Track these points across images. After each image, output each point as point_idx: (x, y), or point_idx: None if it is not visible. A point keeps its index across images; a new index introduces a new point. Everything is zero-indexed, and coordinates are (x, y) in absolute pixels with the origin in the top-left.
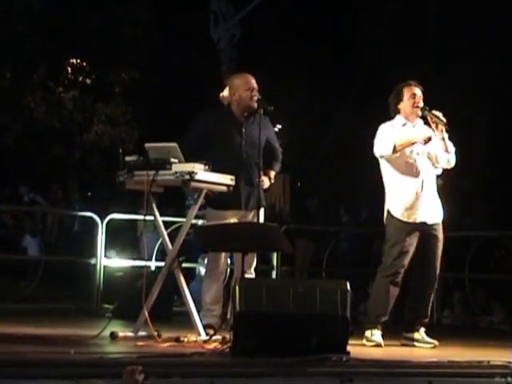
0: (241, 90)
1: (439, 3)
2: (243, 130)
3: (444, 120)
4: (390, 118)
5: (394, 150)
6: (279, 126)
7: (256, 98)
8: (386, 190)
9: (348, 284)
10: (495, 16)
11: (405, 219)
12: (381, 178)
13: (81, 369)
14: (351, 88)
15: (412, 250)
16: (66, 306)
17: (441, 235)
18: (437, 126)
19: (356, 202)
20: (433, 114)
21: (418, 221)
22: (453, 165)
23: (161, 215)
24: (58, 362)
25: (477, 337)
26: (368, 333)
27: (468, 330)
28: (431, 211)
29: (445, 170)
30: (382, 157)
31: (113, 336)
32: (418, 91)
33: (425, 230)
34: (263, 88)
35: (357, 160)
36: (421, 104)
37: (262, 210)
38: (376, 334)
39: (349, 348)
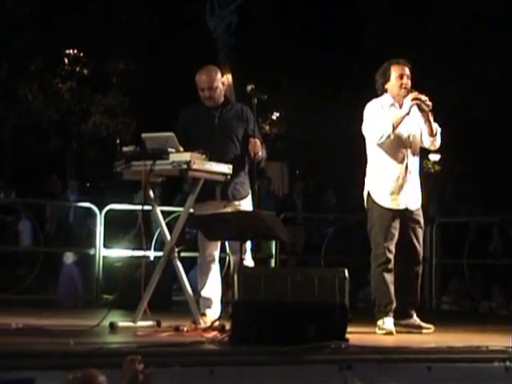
0: (198, 90)
1: None
2: (215, 121)
3: (430, 104)
4: (376, 95)
5: (394, 130)
6: (277, 114)
7: (208, 95)
8: (368, 174)
9: (346, 271)
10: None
11: (388, 205)
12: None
13: (80, 359)
14: (350, 75)
15: (397, 234)
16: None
17: (422, 220)
18: (422, 110)
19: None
20: (419, 99)
21: (400, 207)
22: (438, 146)
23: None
24: (57, 352)
25: (476, 322)
26: (380, 322)
27: (467, 315)
28: (413, 197)
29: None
30: (384, 140)
31: (112, 326)
32: (406, 71)
33: (407, 215)
34: (261, 76)
35: (354, 147)
36: (408, 85)
37: (247, 201)
38: (387, 322)
39: (347, 335)
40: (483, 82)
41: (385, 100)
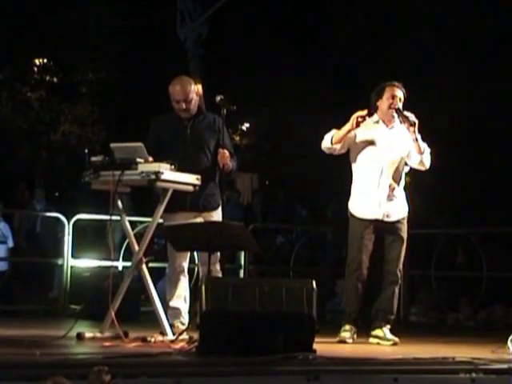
0: (172, 101)
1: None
2: (188, 132)
3: (415, 121)
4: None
5: (332, 143)
6: (247, 125)
7: (184, 107)
8: (352, 187)
9: (314, 283)
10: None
11: (360, 216)
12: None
13: (47, 370)
14: (319, 86)
15: (371, 245)
16: (32, 307)
17: (404, 234)
18: (409, 128)
19: (318, 198)
20: (404, 116)
21: (373, 218)
22: (427, 166)
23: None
24: (23, 363)
25: (443, 334)
26: (342, 329)
27: (434, 326)
28: (390, 209)
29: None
30: (324, 150)
31: (79, 337)
32: (398, 93)
33: (384, 227)
34: (231, 87)
35: (325, 157)
36: (397, 106)
37: (217, 213)
38: (346, 330)
39: (315, 346)
40: (457, 90)
41: (371, 118)
